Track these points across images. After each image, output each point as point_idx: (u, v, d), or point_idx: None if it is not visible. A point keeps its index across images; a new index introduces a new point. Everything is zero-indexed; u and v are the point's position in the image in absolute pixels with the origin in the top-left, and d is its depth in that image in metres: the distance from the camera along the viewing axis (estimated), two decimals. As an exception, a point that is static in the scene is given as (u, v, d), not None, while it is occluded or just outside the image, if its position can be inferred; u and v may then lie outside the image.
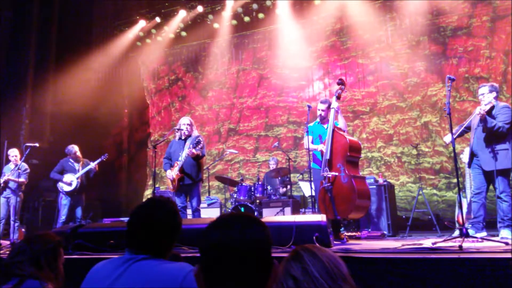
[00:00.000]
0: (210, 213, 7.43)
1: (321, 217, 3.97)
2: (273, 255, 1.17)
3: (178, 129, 5.78)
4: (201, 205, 6.17)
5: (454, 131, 4.98)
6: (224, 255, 1.09)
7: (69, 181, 6.98)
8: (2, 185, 7.05)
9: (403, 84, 8.78)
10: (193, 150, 5.42)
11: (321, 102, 5.35)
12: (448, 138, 4.94)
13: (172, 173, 5.59)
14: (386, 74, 8.97)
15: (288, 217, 5.40)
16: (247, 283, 1.09)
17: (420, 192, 6.55)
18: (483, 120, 4.58)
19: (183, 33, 10.73)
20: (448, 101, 4.07)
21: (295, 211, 6.74)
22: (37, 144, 6.57)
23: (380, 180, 6.67)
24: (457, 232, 5.20)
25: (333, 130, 4.97)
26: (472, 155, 4.89)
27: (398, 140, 8.69)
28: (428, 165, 8.29)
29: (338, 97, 5.12)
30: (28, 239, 2.16)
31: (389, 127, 8.82)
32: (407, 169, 8.52)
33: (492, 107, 4.69)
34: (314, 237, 3.68)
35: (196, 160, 5.63)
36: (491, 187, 4.81)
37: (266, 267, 1.14)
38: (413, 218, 6.56)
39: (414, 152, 7.73)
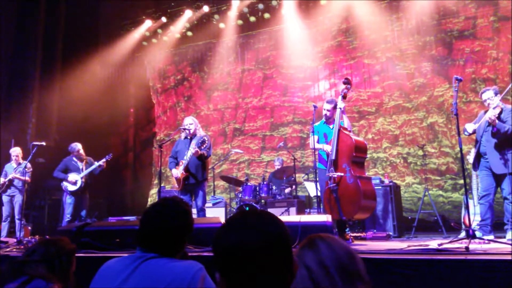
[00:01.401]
0: (215, 213, 7.43)
1: (326, 218, 3.97)
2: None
3: (184, 129, 5.80)
4: (206, 205, 6.18)
5: (468, 127, 4.91)
6: (245, 257, 1.00)
7: (74, 181, 6.93)
8: (7, 183, 7.08)
9: (409, 85, 8.74)
10: (198, 150, 5.44)
11: (327, 102, 5.32)
12: (470, 127, 4.87)
13: (177, 172, 5.61)
14: (392, 75, 8.94)
15: (293, 217, 5.40)
16: (272, 284, 1.01)
17: (426, 193, 6.52)
18: (495, 126, 4.53)
19: (189, 33, 10.76)
20: (455, 102, 4.04)
21: (300, 211, 6.73)
22: (44, 143, 6.56)
23: (386, 181, 6.65)
24: (463, 234, 5.18)
25: (339, 130, 4.94)
26: (479, 156, 4.84)
27: (404, 140, 8.65)
28: (434, 166, 8.25)
29: (344, 97, 5.09)
30: (45, 242, 2.17)
31: (395, 128, 8.78)
32: (413, 170, 8.48)
33: (501, 111, 4.65)
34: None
35: (201, 160, 5.64)
36: (498, 189, 4.78)
37: (290, 265, 1.06)
38: (419, 219, 6.53)
39: (420, 153, 7.68)
